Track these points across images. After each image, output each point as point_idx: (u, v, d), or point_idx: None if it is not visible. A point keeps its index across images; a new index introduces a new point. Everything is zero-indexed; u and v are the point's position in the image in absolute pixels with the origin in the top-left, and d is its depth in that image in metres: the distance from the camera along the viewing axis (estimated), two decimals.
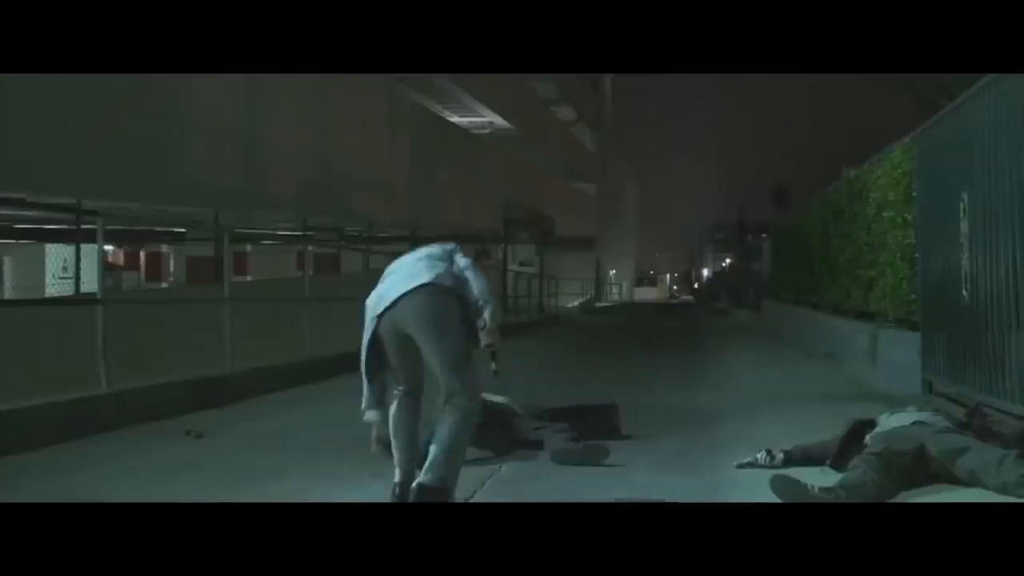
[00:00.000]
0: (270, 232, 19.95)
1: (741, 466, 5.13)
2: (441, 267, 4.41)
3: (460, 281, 4.41)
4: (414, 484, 4.20)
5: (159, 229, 19.46)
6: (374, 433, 4.58)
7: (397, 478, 4.37)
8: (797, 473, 4.51)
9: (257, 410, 8.10)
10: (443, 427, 4.25)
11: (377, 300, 4.40)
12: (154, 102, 11.40)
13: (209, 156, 13.07)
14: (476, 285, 4.41)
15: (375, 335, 4.39)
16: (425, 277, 4.33)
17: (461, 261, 4.50)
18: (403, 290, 4.31)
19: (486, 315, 4.35)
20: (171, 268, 25.44)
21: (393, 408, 4.49)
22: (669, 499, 4.35)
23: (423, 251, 4.57)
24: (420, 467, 4.40)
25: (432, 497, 4.10)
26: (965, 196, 6.64)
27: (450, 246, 4.61)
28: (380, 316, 4.35)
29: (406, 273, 4.40)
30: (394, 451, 4.46)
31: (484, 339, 4.37)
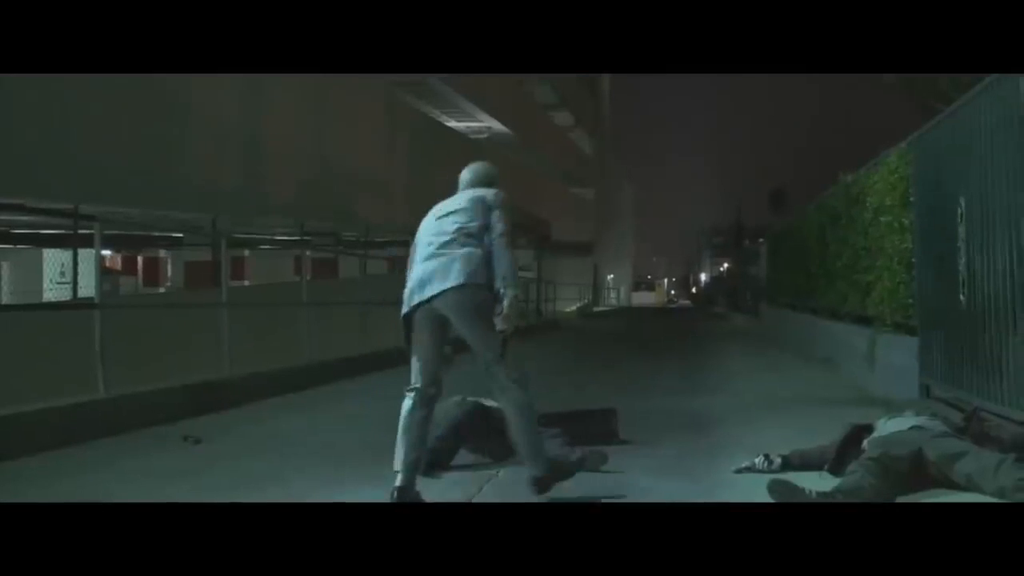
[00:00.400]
0: (268, 237, 19.96)
1: (739, 471, 5.13)
2: (476, 255, 4.45)
3: (491, 262, 4.46)
4: (529, 479, 4.46)
5: (157, 234, 19.47)
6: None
7: (398, 482, 4.38)
8: (795, 478, 4.51)
9: (256, 415, 8.09)
10: (514, 423, 4.50)
11: (411, 292, 4.50)
12: (154, 103, 11.41)
13: (208, 157, 13.07)
14: (500, 265, 4.46)
15: (409, 318, 4.51)
16: (461, 275, 4.40)
17: (497, 227, 4.53)
18: (439, 288, 4.41)
19: (505, 303, 4.41)
20: (169, 273, 25.41)
21: (405, 408, 4.52)
22: (666, 502, 4.34)
23: (459, 216, 4.55)
24: (420, 471, 4.43)
25: (549, 483, 4.43)
26: (962, 200, 6.64)
27: (490, 197, 4.62)
28: (416, 306, 4.47)
29: (441, 265, 4.44)
30: (398, 451, 4.48)
31: (499, 324, 4.42)
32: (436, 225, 4.62)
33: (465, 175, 4.89)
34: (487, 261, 4.47)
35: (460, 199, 4.68)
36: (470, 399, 5.78)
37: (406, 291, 4.55)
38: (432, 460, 5.22)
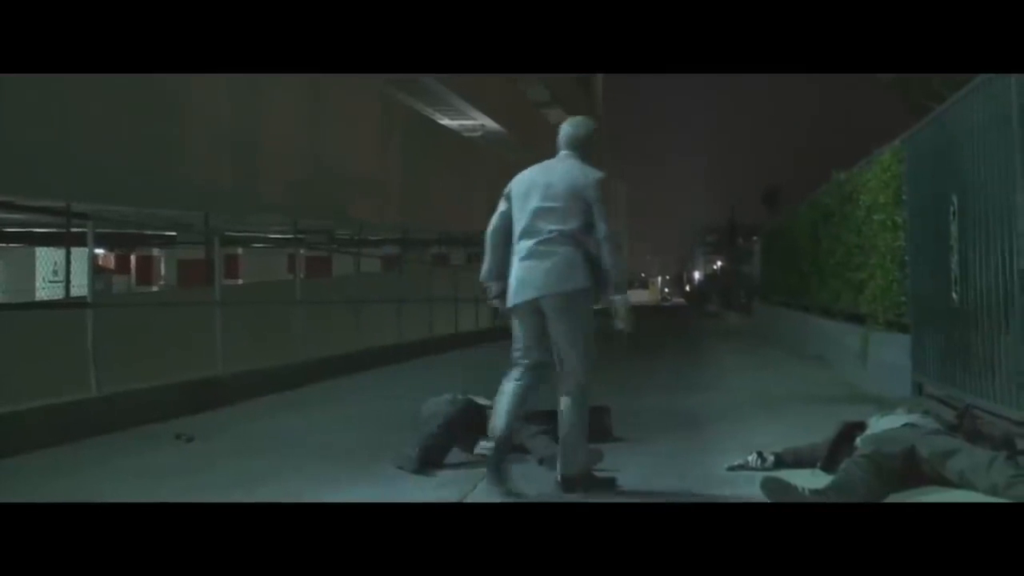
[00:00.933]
0: (261, 235, 19.94)
1: (732, 468, 5.13)
2: (576, 259, 4.54)
3: (592, 261, 4.57)
4: (557, 478, 4.53)
5: (150, 232, 19.44)
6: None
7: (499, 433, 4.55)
8: (788, 475, 4.51)
9: (250, 413, 8.08)
10: (563, 414, 4.57)
11: (514, 292, 4.64)
12: (150, 103, 11.41)
13: (204, 157, 13.08)
14: (610, 273, 4.57)
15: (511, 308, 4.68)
16: (560, 282, 4.53)
17: (601, 227, 4.59)
18: (539, 294, 4.56)
19: (621, 309, 4.66)
20: (162, 271, 25.38)
21: (511, 379, 4.66)
22: (660, 502, 4.35)
23: (556, 216, 4.58)
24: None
25: (579, 486, 4.48)
26: (954, 198, 6.66)
27: (590, 192, 4.61)
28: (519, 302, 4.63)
29: (542, 269, 4.55)
30: (499, 417, 4.60)
31: (619, 325, 4.70)
32: (532, 221, 4.63)
33: (566, 129, 4.86)
34: (587, 260, 4.56)
35: (558, 192, 4.62)
36: (461, 396, 5.79)
37: (510, 287, 4.66)
38: (425, 458, 5.22)
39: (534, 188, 4.69)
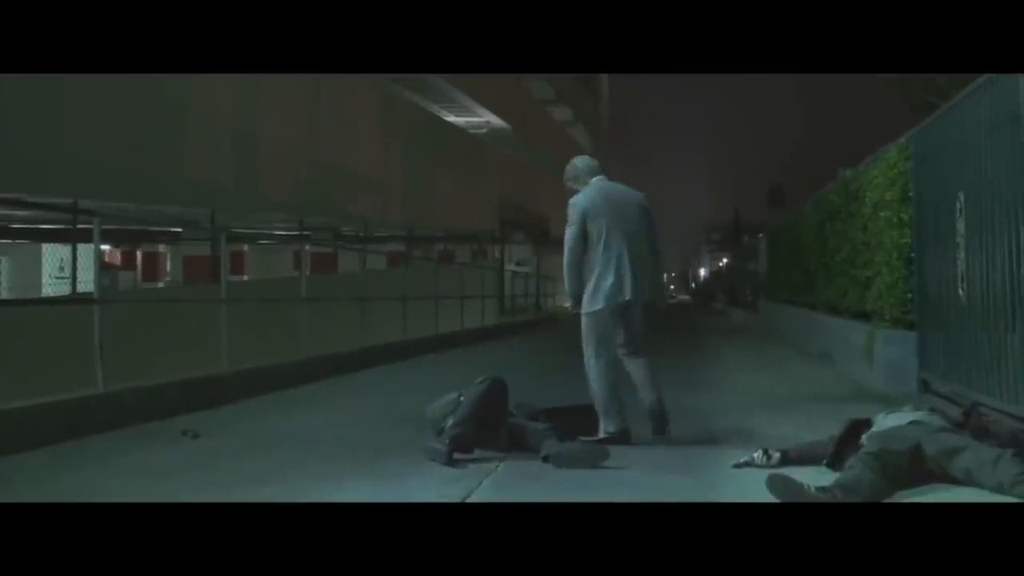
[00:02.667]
0: (266, 231, 19.97)
1: (738, 466, 5.12)
2: (648, 271, 6.03)
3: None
4: (653, 427, 5.96)
5: (156, 229, 19.49)
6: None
7: (615, 427, 5.87)
8: (793, 473, 4.51)
9: (255, 410, 8.08)
10: (643, 379, 6.04)
11: (609, 296, 5.85)
12: (154, 101, 11.41)
13: (205, 156, 13.08)
14: (659, 276, 6.35)
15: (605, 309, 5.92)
16: (646, 292, 5.98)
17: (656, 237, 6.10)
18: (630, 300, 5.89)
19: (667, 296, 6.40)
20: (168, 268, 25.45)
21: (599, 369, 5.95)
22: (666, 499, 4.35)
23: (639, 236, 5.95)
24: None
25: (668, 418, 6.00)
26: (961, 195, 6.65)
27: (648, 208, 6.09)
28: (617, 303, 5.88)
29: (634, 280, 5.86)
30: (611, 410, 5.88)
31: (665, 300, 6.41)
32: (623, 238, 5.85)
33: (590, 163, 6.28)
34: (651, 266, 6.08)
35: (629, 209, 5.96)
36: (483, 379, 5.73)
37: (605, 291, 5.85)
38: (454, 449, 5.23)
39: (608, 208, 5.88)
